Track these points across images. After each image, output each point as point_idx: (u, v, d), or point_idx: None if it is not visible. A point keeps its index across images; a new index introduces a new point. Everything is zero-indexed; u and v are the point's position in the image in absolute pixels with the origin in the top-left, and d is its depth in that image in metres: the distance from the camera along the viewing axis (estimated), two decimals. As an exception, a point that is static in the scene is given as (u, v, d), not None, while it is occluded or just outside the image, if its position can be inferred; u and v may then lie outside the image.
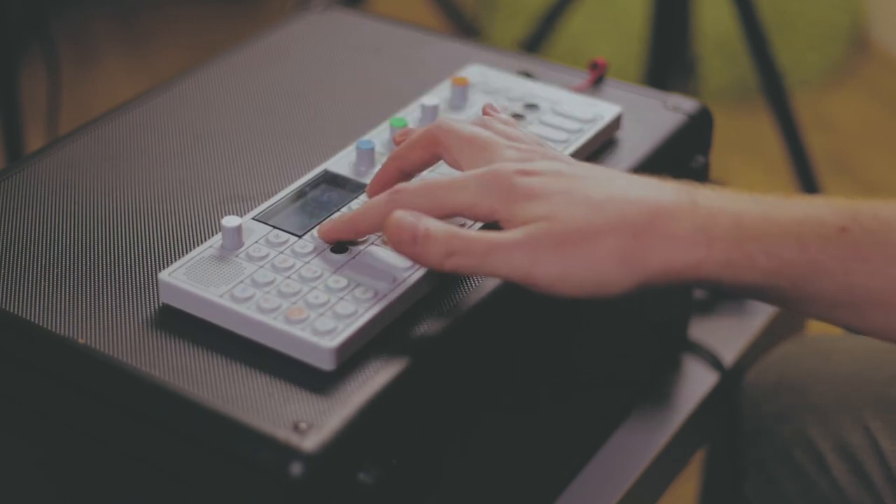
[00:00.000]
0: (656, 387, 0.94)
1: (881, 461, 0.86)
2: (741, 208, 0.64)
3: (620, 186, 0.65)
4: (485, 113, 0.74)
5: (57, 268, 0.71)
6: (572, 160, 0.69)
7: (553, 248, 0.62)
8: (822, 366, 0.93)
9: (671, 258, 0.63)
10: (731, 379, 0.96)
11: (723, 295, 1.02)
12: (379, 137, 0.78)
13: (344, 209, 0.72)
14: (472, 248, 0.63)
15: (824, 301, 0.65)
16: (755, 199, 0.65)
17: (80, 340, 0.65)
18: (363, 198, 0.73)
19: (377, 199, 0.67)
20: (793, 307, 0.67)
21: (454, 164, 0.69)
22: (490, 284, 0.70)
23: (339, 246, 0.69)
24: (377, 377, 0.63)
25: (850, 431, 0.88)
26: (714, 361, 0.96)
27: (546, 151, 0.68)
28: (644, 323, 0.90)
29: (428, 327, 0.67)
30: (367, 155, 0.76)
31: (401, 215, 0.64)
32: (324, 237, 0.69)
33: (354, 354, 0.65)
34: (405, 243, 0.64)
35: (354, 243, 0.69)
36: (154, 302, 0.68)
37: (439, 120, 0.69)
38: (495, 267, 0.63)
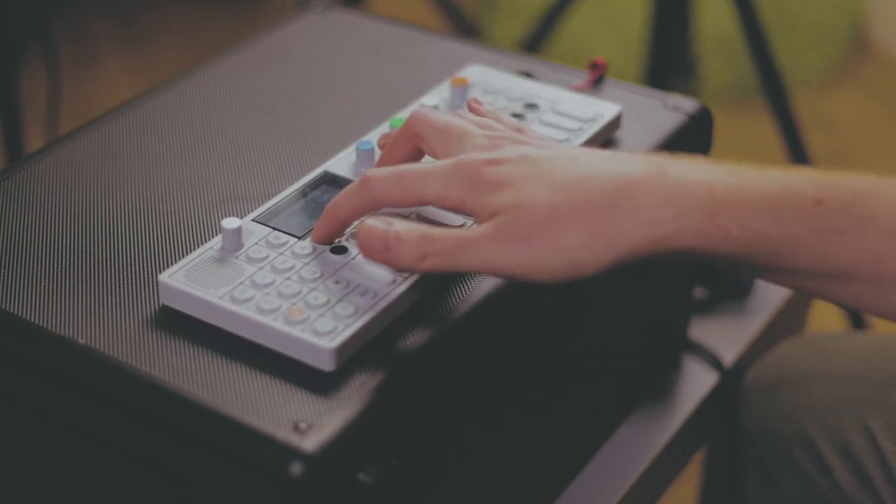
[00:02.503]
0: (656, 387, 0.94)
1: (881, 461, 0.86)
2: (713, 178, 0.64)
3: (586, 165, 0.64)
4: (469, 107, 0.74)
5: (57, 268, 0.71)
6: (546, 142, 0.68)
7: (520, 239, 0.62)
8: (822, 366, 0.93)
9: (639, 234, 0.62)
10: (731, 379, 0.96)
11: (720, 293, 1.02)
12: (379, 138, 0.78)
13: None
14: (442, 248, 0.63)
15: (799, 272, 0.65)
16: (729, 169, 0.65)
17: (80, 340, 0.65)
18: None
19: (349, 187, 0.67)
20: (769, 277, 0.67)
21: (432, 154, 0.69)
22: (488, 285, 0.70)
23: (339, 247, 0.69)
24: (377, 377, 0.63)
25: (851, 431, 0.88)
26: (714, 361, 0.96)
27: (518, 137, 0.68)
28: (644, 323, 0.90)
29: (428, 328, 0.67)
30: (367, 155, 0.76)
31: (370, 223, 0.64)
32: (315, 241, 0.69)
33: (354, 355, 0.65)
34: (377, 251, 0.64)
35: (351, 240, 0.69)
36: (154, 302, 0.68)
37: (415, 111, 0.69)
38: (468, 263, 0.63)
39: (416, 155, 0.70)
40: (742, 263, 0.65)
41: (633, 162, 0.64)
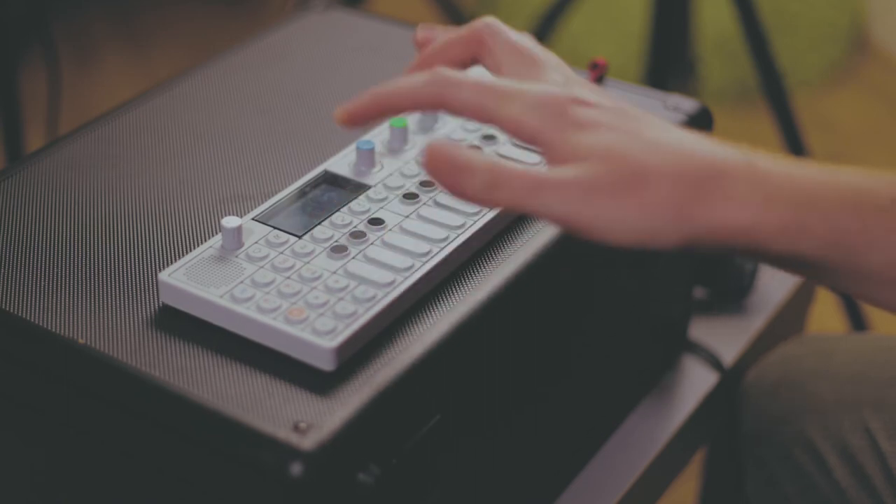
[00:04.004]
0: (656, 387, 0.94)
1: (881, 462, 0.86)
2: (797, 172, 0.61)
3: (677, 136, 0.61)
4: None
5: (57, 268, 0.71)
6: (626, 102, 0.64)
7: (608, 190, 0.58)
8: (822, 366, 0.93)
9: (726, 217, 0.59)
10: (731, 379, 0.96)
11: (720, 293, 1.02)
12: (379, 137, 0.78)
13: (344, 209, 0.72)
14: (518, 182, 0.58)
15: (872, 277, 0.62)
16: (811, 165, 0.62)
17: (80, 340, 0.65)
18: (363, 198, 0.73)
19: (416, 75, 0.62)
20: (836, 283, 0.64)
21: (494, 70, 0.65)
22: (490, 285, 0.70)
23: (340, 247, 0.69)
24: (377, 377, 0.63)
25: (851, 432, 0.88)
26: (714, 361, 0.96)
27: (593, 87, 0.64)
28: (644, 323, 0.90)
29: (428, 327, 0.67)
30: (367, 155, 0.76)
31: (440, 141, 0.59)
32: (340, 116, 0.63)
33: (354, 354, 0.65)
34: (444, 172, 0.59)
35: (361, 235, 0.69)
36: (154, 302, 0.68)
37: (487, 19, 0.65)
38: (543, 206, 0.58)
39: (467, 62, 0.66)
40: (814, 265, 0.62)
41: (722, 146, 0.61)
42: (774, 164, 0.61)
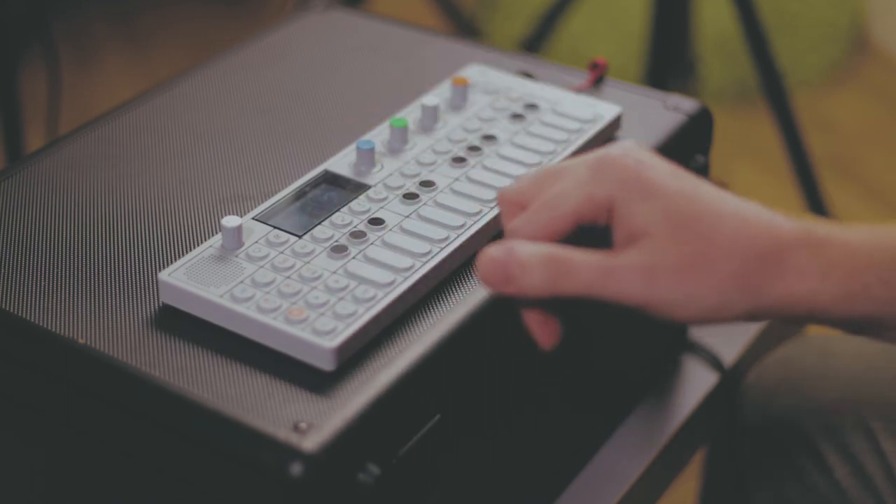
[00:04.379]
0: (656, 387, 0.94)
1: (882, 462, 0.86)
2: (852, 238, 0.61)
3: (736, 205, 0.61)
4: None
5: (57, 268, 0.71)
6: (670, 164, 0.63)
7: (674, 273, 0.59)
8: (822, 366, 0.93)
9: (789, 290, 0.60)
10: (731, 379, 0.96)
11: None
12: (379, 137, 0.78)
13: (344, 209, 0.72)
14: (580, 276, 0.59)
15: None
16: (862, 228, 0.62)
17: (80, 340, 0.65)
18: (363, 198, 0.73)
19: (503, 252, 0.60)
20: (893, 338, 0.64)
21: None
22: (490, 284, 0.70)
23: (340, 246, 0.69)
24: (377, 377, 0.63)
25: (852, 432, 0.88)
26: (714, 361, 0.96)
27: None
28: (644, 323, 0.90)
29: (428, 327, 0.67)
30: (367, 155, 0.76)
31: (488, 250, 0.59)
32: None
33: (354, 354, 0.65)
34: (498, 283, 0.59)
35: (361, 235, 0.69)
36: (154, 302, 0.68)
37: (500, 191, 0.64)
38: (611, 294, 0.59)
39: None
40: (873, 325, 0.62)
41: (778, 216, 0.61)
42: (830, 231, 0.61)
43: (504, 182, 0.74)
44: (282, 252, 0.69)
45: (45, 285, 0.69)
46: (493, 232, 0.73)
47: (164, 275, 0.67)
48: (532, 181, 0.63)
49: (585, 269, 0.59)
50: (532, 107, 0.82)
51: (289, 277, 0.67)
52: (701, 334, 0.98)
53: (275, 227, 0.71)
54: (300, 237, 0.70)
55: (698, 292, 0.59)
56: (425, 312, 0.68)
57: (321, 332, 0.64)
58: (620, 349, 0.87)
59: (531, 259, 0.59)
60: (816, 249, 0.60)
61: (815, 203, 1.60)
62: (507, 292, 0.60)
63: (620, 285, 0.59)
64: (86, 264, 0.71)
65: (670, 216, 0.59)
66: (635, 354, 0.90)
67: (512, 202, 0.63)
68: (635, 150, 0.61)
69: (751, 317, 0.60)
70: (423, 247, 0.69)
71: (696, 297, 0.59)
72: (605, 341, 0.84)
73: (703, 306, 0.59)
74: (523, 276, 0.59)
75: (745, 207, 0.61)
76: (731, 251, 0.59)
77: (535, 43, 1.71)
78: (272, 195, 0.74)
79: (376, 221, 0.71)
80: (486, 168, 0.76)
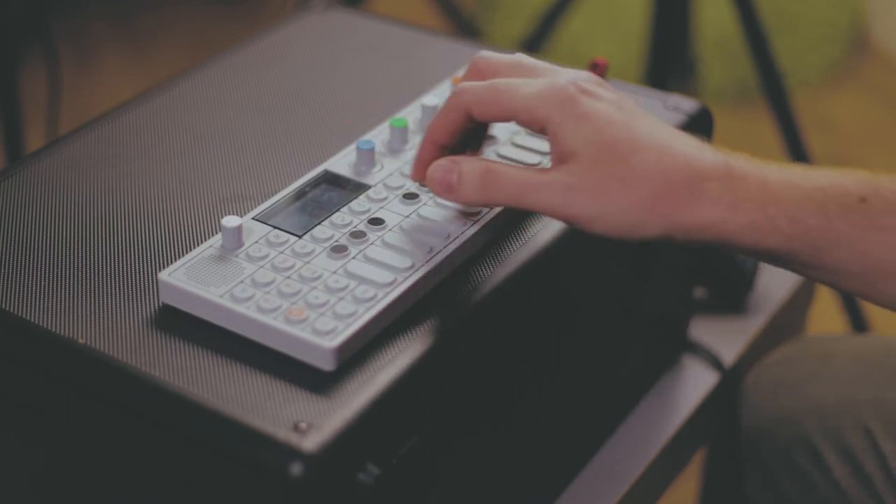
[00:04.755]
0: (656, 387, 0.94)
1: (881, 463, 0.86)
2: (767, 174, 0.66)
3: (666, 136, 0.66)
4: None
5: (57, 268, 0.71)
6: (628, 98, 0.69)
7: (589, 191, 0.64)
8: (821, 367, 0.93)
9: (697, 215, 0.65)
10: (731, 379, 0.96)
11: (720, 293, 1.02)
12: (379, 137, 0.78)
13: (344, 209, 0.72)
14: (507, 186, 0.66)
15: (840, 270, 0.66)
16: (781, 167, 0.67)
17: (80, 340, 0.65)
18: (363, 198, 0.73)
19: (442, 107, 0.69)
20: (809, 274, 0.68)
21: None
22: (490, 284, 0.70)
23: (340, 246, 0.69)
24: (377, 377, 0.63)
25: (851, 433, 0.88)
26: (714, 361, 0.96)
27: (603, 83, 0.69)
28: (645, 323, 0.90)
29: (428, 327, 0.67)
30: (367, 155, 0.76)
31: (436, 164, 0.67)
32: (414, 176, 0.71)
33: (354, 354, 0.65)
34: (443, 188, 0.67)
35: (361, 235, 0.69)
36: (154, 302, 0.68)
37: (479, 53, 0.71)
38: (533, 205, 0.66)
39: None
40: (785, 259, 0.67)
41: (705, 149, 0.66)
42: (748, 165, 0.66)
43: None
44: (282, 252, 0.69)
45: (45, 285, 0.69)
46: (494, 231, 0.73)
47: (164, 275, 0.67)
48: (508, 64, 0.70)
49: (512, 182, 0.66)
50: (532, 107, 0.82)
51: (289, 277, 0.67)
52: (701, 334, 0.98)
53: (275, 227, 0.71)
54: (300, 237, 0.70)
55: (610, 210, 0.65)
56: (425, 312, 0.68)
57: (321, 332, 0.64)
58: (621, 349, 0.87)
59: (470, 171, 0.67)
60: (731, 182, 0.65)
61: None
62: (449, 199, 0.68)
63: (540, 197, 0.65)
64: (86, 264, 0.71)
65: (596, 141, 0.65)
66: (635, 354, 0.90)
67: (479, 69, 0.70)
68: (585, 81, 0.67)
69: (666, 237, 0.66)
70: (423, 247, 0.69)
71: (607, 215, 0.65)
72: (606, 341, 0.84)
73: (616, 224, 0.65)
74: (461, 185, 0.67)
75: (675, 141, 0.66)
76: (646, 177, 0.64)
77: (535, 43, 1.70)
78: (272, 195, 0.74)
79: (376, 221, 0.71)
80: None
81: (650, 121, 0.67)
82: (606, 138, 0.65)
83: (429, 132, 0.70)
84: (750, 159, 0.67)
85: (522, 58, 0.70)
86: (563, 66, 0.71)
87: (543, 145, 0.78)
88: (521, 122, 0.67)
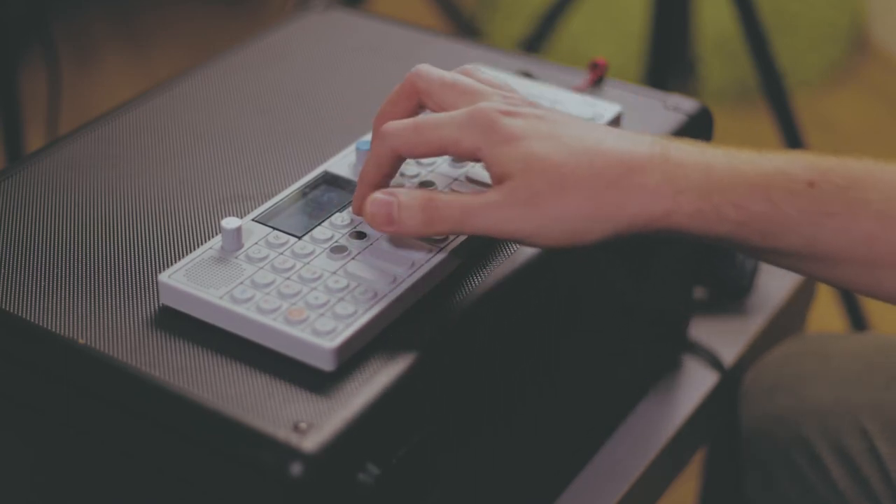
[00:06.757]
0: (656, 387, 0.94)
1: (878, 464, 0.86)
2: (711, 160, 0.65)
3: (596, 137, 0.66)
4: (465, 73, 0.74)
5: (57, 268, 0.71)
6: (555, 110, 0.69)
7: (525, 206, 0.64)
8: (820, 367, 0.93)
9: (639, 210, 0.64)
10: (730, 379, 0.96)
11: (720, 293, 1.02)
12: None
13: (344, 210, 0.72)
14: (448, 214, 0.65)
15: (792, 254, 0.66)
16: (726, 152, 0.66)
17: (80, 340, 0.65)
18: (363, 198, 0.73)
19: (372, 146, 0.69)
20: (763, 258, 0.68)
21: (438, 109, 0.70)
22: (490, 285, 0.70)
23: (339, 247, 0.69)
24: (377, 377, 0.63)
25: (848, 434, 0.88)
26: (714, 361, 0.96)
27: (528, 101, 0.69)
28: (644, 323, 0.90)
29: (428, 327, 0.67)
30: (366, 155, 0.76)
31: (374, 195, 0.66)
32: (354, 212, 0.71)
33: (354, 354, 0.65)
34: (383, 222, 0.66)
35: (361, 236, 0.69)
36: (154, 302, 0.68)
37: (417, 67, 0.70)
38: (475, 228, 0.65)
39: (414, 113, 0.71)
40: (737, 244, 0.66)
41: (640, 142, 0.66)
42: (689, 153, 0.65)
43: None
44: (281, 253, 0.69)
45: (45, 285, 0.69)
46: (492, 232, 0.73)
47: (164, 277, 0.67)
48: (441, 85, 0.69)
49: (451, 209, 0.65)
50: (532, 107, 0.82)
51: (288, 278, 0.67)
52: (701, 334, 0.98)
53: (274, 229, 0.71)
54: (300, 238, 0.70)
55: (547, 222, 0.64)
56: (425, 313, 0.68)
57: (321, 332, 0.64)
58: (621, 349, 0.87)
59: (410, 202, 0.66)
60: (670, 170, 0.64)
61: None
62: (390, 231, 0.67)
63: (479, 221, 0.65)
64: (86, 264, 0.71)
65: (524, 157, 0.64)
66: (635, 354, 0.90)
67: (409, 91, 0.70)
68: (506, 101, 0.67)
69: (616, 236, 0.65)
70: (423, 247, 0.69)
71: (545, 228, 0.64)
72: (606, 341, 0.84)
73: (557, 234, 0.65)
74: (402, 217, 0.66)
75: (606, 140, 0.66)
76: (579, 183, 0.64)
77: (535, 43, 1.70)
78: (272, 196, 0.74)
79: (376, 222, 0.71)
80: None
81: (577, 126, 0.67)
82: (534, 152, 0.64)
83: (362, 176, 0.69)
84: (692, 145, 0.66)
85: (457, 78, 0.69)
86: (501, 86, 0.70)
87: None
88: (454, 155, 0.67)
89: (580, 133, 0.66)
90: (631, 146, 0.65)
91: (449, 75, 0.70)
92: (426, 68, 0.70)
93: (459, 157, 0.68)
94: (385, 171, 0.69)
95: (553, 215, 0.64)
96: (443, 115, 0.67)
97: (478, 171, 0.76)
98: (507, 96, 0.68)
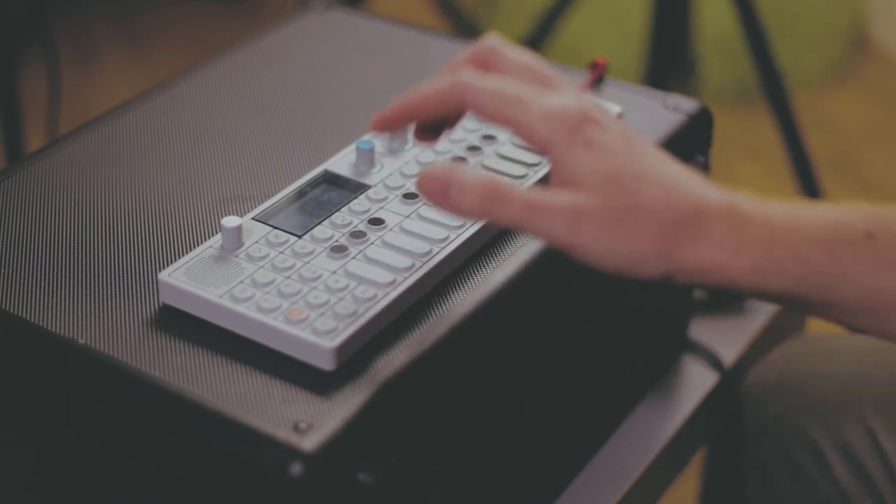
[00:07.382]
0: (656, 387, 0.94)
1: (882, 461, 0.86)
2: (772, 213, 0.63)
3: (672, 173, 0.64)
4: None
5: (57, 268, 0.71)
6: (632, 128, 0.66)
7: (598, 222, 0.61)
8: (822, 365, 0.93)
9: (701, 256, 0.62)
10: (731, 379, 0.96)
11: (722, 294, 1.02)
12: (379, 137, 0.78)
13: (344, 209, 0.72)
14: (509, 206, 0.62)
15: (847, 307, 0.64)
16: (784, 204, 0.64)
17: (80, 340, 0.65)
18: (363, 198, 0.73)
19: (440, 80, 0.64)
20: (815, 313, 0.66)
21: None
22: (490, 285, 0.70)
23: (340, 246, 0.69)
24: (377, 377, 0.63)
25: (851, 431, 0.88)
26: (714, 361, 0.96)
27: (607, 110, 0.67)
28: (644, 323, 0.90)
29: (428, 327, 0.67)
30: (367, 155, 0.76)
31: (433, 164, 0.63)
32: (373, 127, 0.66)
33: (354, 354, 0.65)
34: (436, 194, 0.62)
35: (361, 235, 0.69)
36: (154, 302, 0.68)
37: (490, 40, 0.66)
38: (535, 227, 0.62)
39: (449, 117, 0.68)
40: (790, 300, 0.64)
41: (709, 186, 0.64)
42: (754, 206, 0.64)
43: (503, 181, 0.74)
44: (282, 252, 0.69)
45: (45, 285, 0.69)
46: (493, 231, 0.73)
47: (164, 275, 0.67)
48: (516, 65, 0.65)
49: (514, 202, 0.62)
50: (532, 107, 0.82)
51: (289, 277, 0.67)
52: (701, 334, 0.98)
53: (275, 228, 0.71)
54: (300, 237, 0.70)
55: (616, 245, 0.61)
56: (425, 312, 0.68)
57: (321, 331, 0.64)
58: (621, 349, 0.87)
59: (471, 182, 0.62)
60: (735, 223, 0.63)
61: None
62: (441, 205, 0.63)
63: (546, 223, 0.62)
64: (86, 264, 0.71)
65: (602, 171, 0.62)
66: (635, 354, 0.90)
67: (483, 60, 0.66)
68: (593, 109, 0.64)
69: (667, 277, 0.63)
70: (422, 247, 0.69)
71: (613, 250, 0.62)
72: (606, 341, 0.84)
73: (620, 260, 0.62)
74: (460, 195, 0.62)
75: (680, 177, 0.64)
76: (653, 214, 0.62)
77: (535, 43, 1.70)
78: (272, 195, 0.74)
79: (376, 221, 0.71)
80: (486, 167, 0.76)
81: (656, 155, 0.64)
82: (613, 169, 0.62)
83: (411, 99, 0.65)
84: (752, 197, 0.64)
85: (532, 62, 0.66)
86: (567, 76, 0.67)
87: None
88: (520, 137, 0.64)
89: (658, 162, 0.64)
90: (702, 189, 0.63)
91: (522, 56, 0.66)
92: (499, 44, 0.66)
93: (521, 139, 0.64)
94: (438, 110, 0.65)
95: (625, 240, 0.61)
96: (529, 94, 0.63)
97: (495, 161, 0.76)
98: (587, 97, 0.65)
